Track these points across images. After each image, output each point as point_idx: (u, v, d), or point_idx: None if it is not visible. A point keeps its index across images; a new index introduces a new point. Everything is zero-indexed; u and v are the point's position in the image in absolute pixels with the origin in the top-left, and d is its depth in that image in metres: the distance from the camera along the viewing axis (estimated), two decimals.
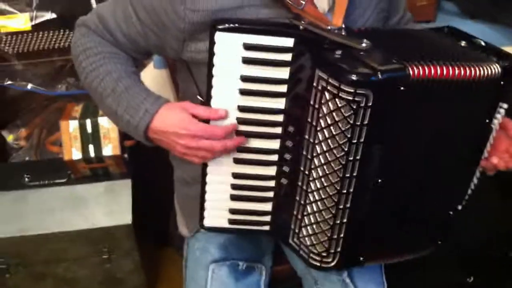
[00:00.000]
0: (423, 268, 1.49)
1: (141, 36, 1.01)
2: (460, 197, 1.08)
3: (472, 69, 0.90)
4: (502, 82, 0.94)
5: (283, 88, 0.93)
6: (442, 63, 0.88)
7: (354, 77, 0.82)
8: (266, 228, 1.05)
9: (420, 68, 0.86)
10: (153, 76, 1.49)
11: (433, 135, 0.95)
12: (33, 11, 1.55)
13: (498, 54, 0.97)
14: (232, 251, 1.16)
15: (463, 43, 1.00)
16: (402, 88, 0.85)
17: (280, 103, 0.94)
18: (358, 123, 0.85)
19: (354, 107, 0.83)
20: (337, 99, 0.84)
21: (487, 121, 0.99)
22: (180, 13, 0.94)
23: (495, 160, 1.03)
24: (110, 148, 1.52)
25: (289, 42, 0.89)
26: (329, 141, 0.88)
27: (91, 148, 1.51)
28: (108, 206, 1.55)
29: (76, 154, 1.51)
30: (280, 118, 0.95)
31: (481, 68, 0.90)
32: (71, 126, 1.51)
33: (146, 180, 1.71)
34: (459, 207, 1.08)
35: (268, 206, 1.03)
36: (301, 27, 0.89)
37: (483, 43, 1.00)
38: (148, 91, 0.99)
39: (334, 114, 0.85)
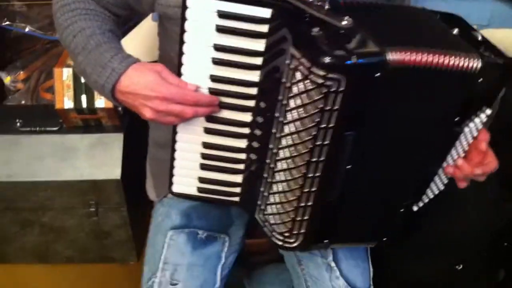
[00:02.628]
0: (410, 255, 1.47)
1: None
2: (416, 196, 1.03)
3: (449, 57, 0.83)
4: (480, 79, 0.86)
5: (258, 61, 0.87)
6: (422, 50, 0.81)
7: (326, 60, 0.76)
8: (236, 199, 1.02)
9: (400, 53, 0.79)
10: (150, 28, 1.43)
11: (405, 125, 0.90)
12: None
13: (492, 50, 0.89)
14: (193, 218, 1.13)
15: (455, 31, 0.92)
16: (378, 74, 0.78)
17: (255, 76, 0.89)
18: (328, 108, 0.80)
19: (324, 91, 0.78)
20: (307, 81, 0.79)
21: (456, 119, 0.91)
22: None
23: (463, 164, 0.95)
24: (103, 100, 1.47)
25: (266, 12, 0.83)
26: (297, 123, 0.84)
27: (83, 98, 1.47)
28: (98, 159, 1.52)
29: (68, 103, 1.47)
30: (253, 91, 0.90)
31: (457, 58, 0.83)
32: (65, 74, 1.46)
33: (139, 135, 1.68)
34: (414, 208, 1.03)
35: (238, 178, 1.00)
36: None
37: (479, 37, 0.92)
38: (118, 49, 0.94)
39: (304, 96, 0.81)
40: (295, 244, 0.98)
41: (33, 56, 1.79)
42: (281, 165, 0.90)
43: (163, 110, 0.88)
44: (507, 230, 1.58)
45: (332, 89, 0.77)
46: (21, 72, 1.75)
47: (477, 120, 0.91)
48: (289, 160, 0.88)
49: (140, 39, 1.34)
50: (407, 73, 0.82)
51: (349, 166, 0.89)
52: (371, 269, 1.19)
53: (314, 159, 0.85)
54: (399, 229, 1.06)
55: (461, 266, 1.45)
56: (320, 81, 0.77)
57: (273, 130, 0.89)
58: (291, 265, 1.21)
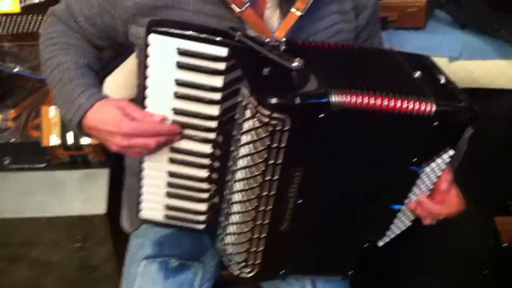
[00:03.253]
0: (396, 278, 1.48)
1: (98, 16, 1.01)
2: (379, 233, 1.04)
3: (402, 101, 0.85)
4: (436, 123, 0.87)
5: (217, 96, 0.91)
6: (371, 92, 0.84)
7: (272, 100, 0.79)
8: (201, 227, 1.05)
9: (343, 96, 0.82)
10: (133, 66, 1.48)
11: (358, 163, 0.92)
12: None
13: (453, 94, 0.91)
14: (166, 248, 1.15)
15: (417, 74, 0.93)
16: (321, 115, 0.81)
17: (214, 110, 0.92)
18: (275, 146, 0.82)
19: (270, 129, 0.81)
20: (255, 119, 0.82)
21: (414, 159, 0.92)
22: None
23: (425, 201, 0.97)
24: None
25: (222, 51, 0.87)
26: (248, 158, 0.87)
27: (70, 135, 1.51)
28: (85, 194, 1.55)
29: (55, 140, 1.51)
30: (213, 124, 0.94)
31: (410, 102, 0.85)
32: (52, 112, 1.51)
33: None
34: (380, 243, 1.05)
35: (203, 207, 1.03)
36: (236, 37, 0.87)
37: (442, 80, 0.93)
38: (87, 86, 0.98)
39: (253, 133, 0.84)
40: (251, 274, 1.00)
41: (23, 95, 1.83)
42: (236, 197, 0.93)
43: (125, 145, 0.92)
44: (489, 257, 1.61)
45: (278, 128, 0.80)
46: (12, 111, 1.78)
47: (439, 160, 0.92)
48: (243, 193, 0.91)
49: (124, 76, 1.38)
50: (354, 114, 0.84)
51: (300, 201, 0.91)
52: None
53: (264, 193, 0.88)
54: (366, 263, 1.07)
55: None
56: (266, 120, 0.80)
57: (229, 163, 0.92)
58: None
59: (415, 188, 0.97)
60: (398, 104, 0.84)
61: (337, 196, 0.96)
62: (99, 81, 1.06)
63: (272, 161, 0.84)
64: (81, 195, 1.55)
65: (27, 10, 1.59)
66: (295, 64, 0.83)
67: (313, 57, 0.87)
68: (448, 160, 0.93)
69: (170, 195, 1.02)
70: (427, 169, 0.94)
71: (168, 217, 1.05)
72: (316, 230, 1.00)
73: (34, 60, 1.74)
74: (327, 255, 1.07)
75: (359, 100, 0.83)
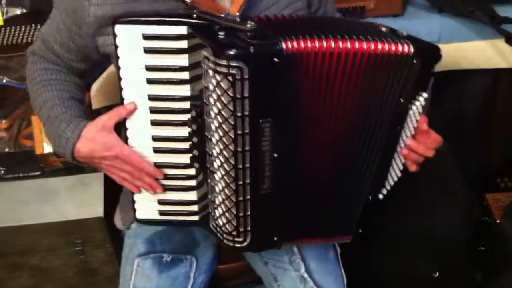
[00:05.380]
0: (385, 261, 1.50)
1: (70, 40, 1.06)
2: (377, 185, 1.07)
3: (382, 44, 0.91)
4: (415, 61, 0.94)
5: (185, 75, 0.96)
6: (326, 37, 0.89)
7: (227, 51, 0.84)
8: (196, 218, 1.07)
9: (295, 42, 0.88)
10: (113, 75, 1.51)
11: (333, 112, 0.95)
12: (3, 7, 1.57)
13: (419, 39, 0.97)
14: (157, 244, 1.18)
15: (384, 29, 1.00)
16: (276, 60, 0.86)
17: (186, 90, 0.97)
18: (239, 96, 0.87)
19: (231, 79, 0.86)
20: (216, 74, 0.87)
21: (401, 100, 0.98)
22: (85, 8, 1.00)
23: (413, 143, 1.02)
24: None
25: (182, 30, 0.93)
26: (218, 117, 0.91)
27: None
28: (80, 199, 1.57)
29: (47, 148, 1.54)
30: (186, 105, 0.98)
31: (392, 45, 0.92)
32: None
33: None
34: (380, 196, 1.07)
35: (193, 195, 1.05)
36: (194, 15, 0.92)
37: (404, 34, 0.99)
38: (71, 118, 1.03)
39: (217, 89, 0.89)
40: (245, 243, 1.02)
41: (13, 105, 1.85)
42: (216, 164, 0.96)
43: (117, 167, 1.01)
44: (480, 234, 1.63)
45: (237, 77, 0.86)
46: (3, 121, 1.80)
47: (417, 103, 0.98)
48: (220, 156, 0.95)
49: (107, 82, 1.42)
50: (315, 59, 0.89)
51: (276, 155, 0.95)
52: (344, 275, 1.22)
53: (239, 149, 0.92)
54: (372, 219, 1.10)
55: (437, 274, 1.49)
56: (224, 70, 0.86)
57: (206, 133, 0.97)
58: (268, 283, 1.25)
59: (402, 132, 1.02)
60: (379, 46, 0.91)
61: (319, 147, 0.99)
62: (84, 109, 1.11)
63: (239, 114, 0.89)
64: (76, 200, 1.57)
65: (10, 22, 1.60)
66: (248, 25, 0.89)
67: (268, 24, 0.93)
68: (423, 103, 0.99)
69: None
70: (410, 112, 0.99)
71: (162, 213, 1.07)
72: (304, 189, 1.02)
73: (22, 70, 1.75)
74: (323, 216, 1.08)
75: (311, 44, 0.89)
